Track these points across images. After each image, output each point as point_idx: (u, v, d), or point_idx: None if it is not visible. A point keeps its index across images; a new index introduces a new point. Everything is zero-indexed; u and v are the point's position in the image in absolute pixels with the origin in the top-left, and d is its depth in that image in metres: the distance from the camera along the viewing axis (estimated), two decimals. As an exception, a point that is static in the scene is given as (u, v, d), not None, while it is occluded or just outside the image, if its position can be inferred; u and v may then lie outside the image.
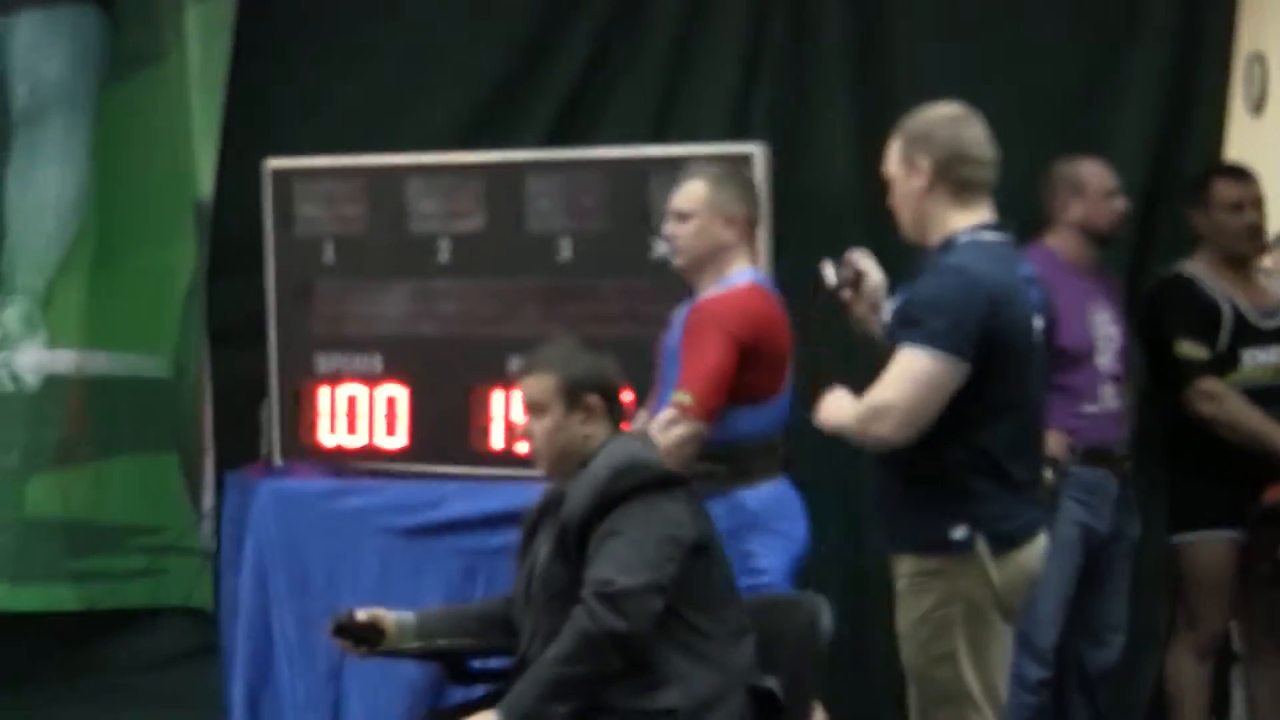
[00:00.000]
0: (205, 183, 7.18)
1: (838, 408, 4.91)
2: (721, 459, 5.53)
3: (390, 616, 5.18)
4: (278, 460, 6.81)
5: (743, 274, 5.65)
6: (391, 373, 6.64)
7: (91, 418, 7.06)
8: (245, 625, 6.57)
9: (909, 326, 4.74)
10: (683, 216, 5.65)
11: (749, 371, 5.50)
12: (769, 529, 5.65)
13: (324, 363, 6.75)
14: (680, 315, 5.68)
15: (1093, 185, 6.29)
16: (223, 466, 7.12)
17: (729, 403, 5.50)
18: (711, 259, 5.64)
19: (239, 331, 7.05)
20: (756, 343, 5.52)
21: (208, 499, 7.22)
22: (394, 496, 6.50)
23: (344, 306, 6.75)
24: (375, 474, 6.61)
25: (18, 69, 7.26)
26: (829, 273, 5.16)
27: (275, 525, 6.54)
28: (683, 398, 5.42)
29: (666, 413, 5.44)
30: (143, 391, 7.22)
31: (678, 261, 5.71)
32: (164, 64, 7.26)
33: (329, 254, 6.73)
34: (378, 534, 6.44)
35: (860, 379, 4.85)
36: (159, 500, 7.25)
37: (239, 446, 7.04)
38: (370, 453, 6.67)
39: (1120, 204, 6.31)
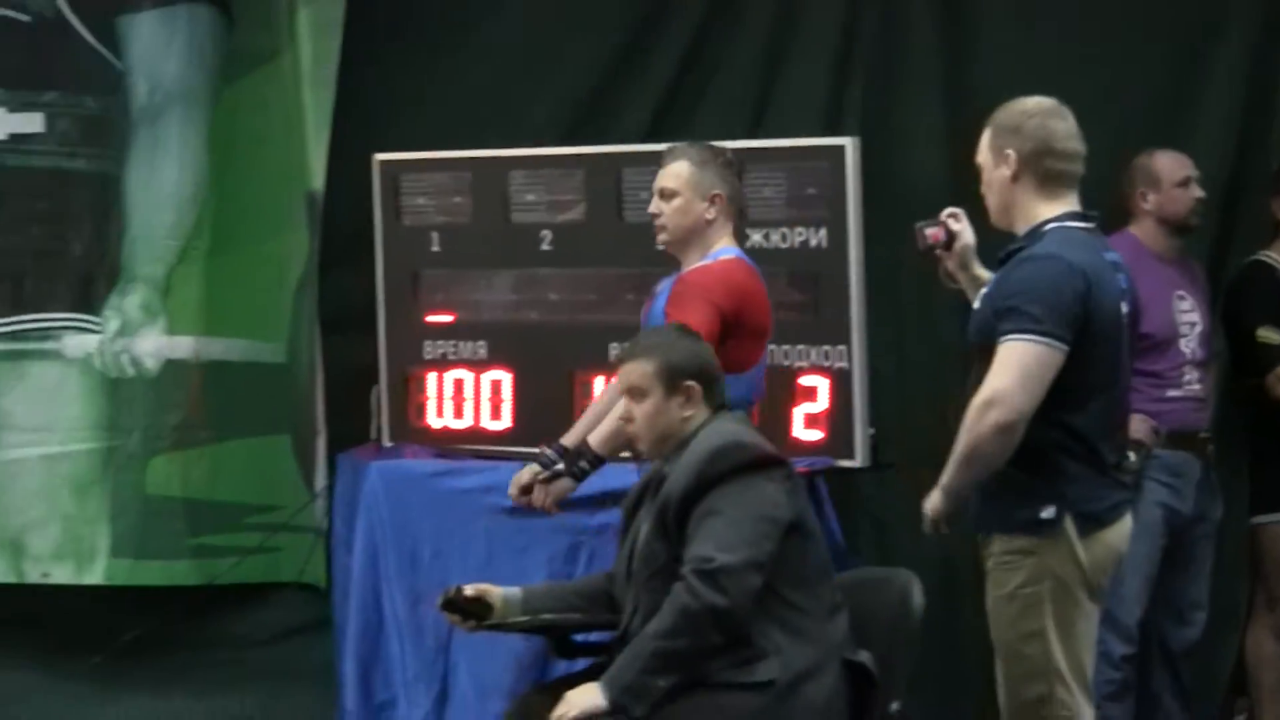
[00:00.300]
0: (317, 176, 7.22)
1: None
2: None
3: (497, 592, 5.20)
4: (387, 442, 6.84)
5: (726, 250, 5.67)
6: (496, 358, 6.66)
7: (209, 401, 7.08)
8: (356, 600, 6.59)
9: (1008, 318, 4.71)
10: (666, 194, 5.67)
11: (730, 340, 5.50)
12: None
13: (431, 349, 6.77)
14: (664, 286, 5.70)
15: (1166, 176, 6.26)
16: (335, 448, 7.17)
17: None
18: (696, 235, 5.65)
19: (350, 318, 7.09)
20: (739, 314, 5.54)
21: (320, 479, 7.25)
22: (499, 477, 6.48)
23: (450, 294, 6.78)
24: (481, 455, 6.62)
25: (138, 67, 7.28)
26: (923, 233, 5.20)
27: (385, 504, 6.55)
28: None
29: None
30: (258, 376, 7.24)
31: (662, 238, 5.71)
32: (277, 63, 7.29)
33: (436, 244, 6.75)
34: (484, 513, 6.44)
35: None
36: (273, 480, 7.28)
37: (350, 429, 7.08)
38: (476, 435, 6.69)
39: (1195, 193, 6.28)
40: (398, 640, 6.54)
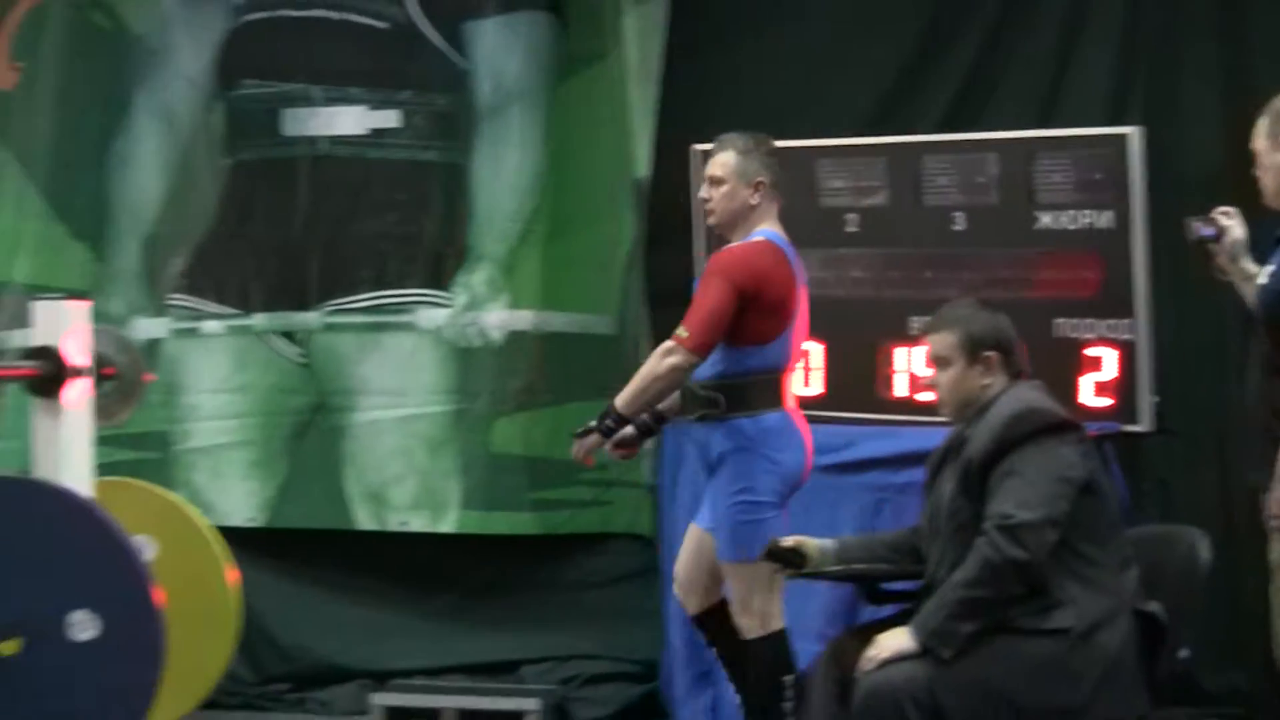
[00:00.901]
0: (642, 164, 7.27)
1: None
2: (724, 390, 5.69)
3: (813, 543, 5.28)
4: (708, 406, 6.91)
5: (764, 232, 5.79)
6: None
7: (548, 368, 7.18)
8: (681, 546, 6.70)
9: None
10: (715, 181, 5.81)
11: (749, 316, 5.65)
12: (761, 454, 5.71)
13: (748, 322, 6.83)
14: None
15: None
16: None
17: (735, 343, 5.67)
18: (741, 218, 5.80)
19: (672, 293, 7.15)
20: (758, 291, 5.65)
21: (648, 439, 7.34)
22: (812, 439, 6.56)
23: (763, 272, 6.82)
24: (793, 419, 6.68)
25: (483, 68, 7.41)
26: (1194, 228, 5.18)
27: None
28: (680, 331, 5.64)
29: (666, 343, 5.67)
30: (591, 346, 7.32)
31: (711, 220, 5.87)
32: (606, 62, 7.35)
33: (750, 226, 6.80)
34: (798, 471, 6.51)
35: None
36: (606, 440, 7.37)
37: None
38: (788, 400, 6.75)
39: None
40: (718, 586, 6.62)
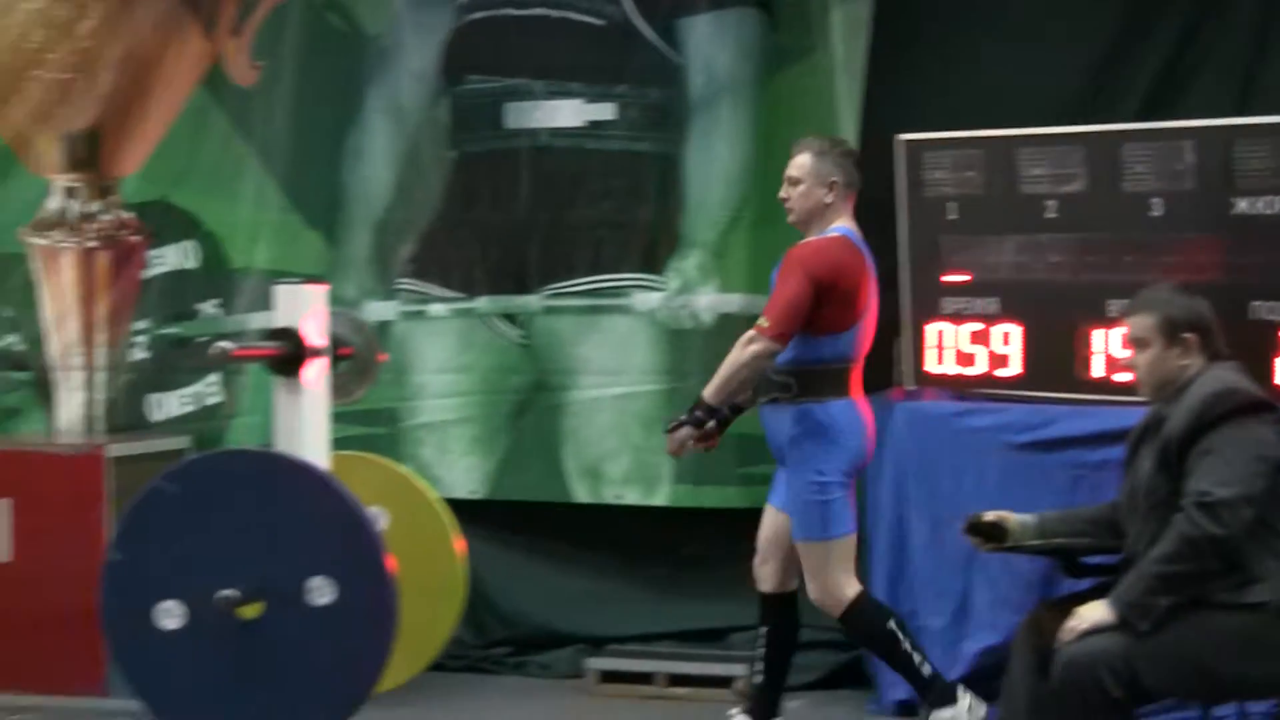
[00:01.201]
0: (848, 154, 7.27)
1: None
2: (797, 376, 5.89)
3: (1013, 518, 5.27)
4: (910, 385, 6.91)
5: (839, 228, 6.00)
6: (1007, 313, 6.68)
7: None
8: (885, 523, 6.70)
9: None
10: (793, 182, 6.02)
11: (824, 307, 5.86)
12: (829, 439, 5.92)
13: (949, 304, 6.82)
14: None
15: None
16: (866, 391, 7.24)
17: (809, 332, 5.84)
18: (817, 216, 6.00)
19: (879, 277, 7.15)
20: (834, 283, 5.84)
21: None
22: (1011, 417, 6.54)
23: (965, 257, 6.80)
24: (995, 398, 6.66)
25: (695, 63, 7.44)
26: None
27: (910, 440, 6.64)
28: (762, 321, 5.82)
29: (748, 332, 5.85)
30: (797, 329, 7.34)
31: (791, 218, 6.06)
32: (813, 58, 7.34)
33: (952, 213, 6.79)
34: (997, 449, 6.49)
35: None
36: (810, 418, 7.37)
37: (878, 374, 7.13)
38: (988, 380, 6.72)
39: None
40: (920, 558, 6.62)
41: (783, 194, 6.06)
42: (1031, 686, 4.99)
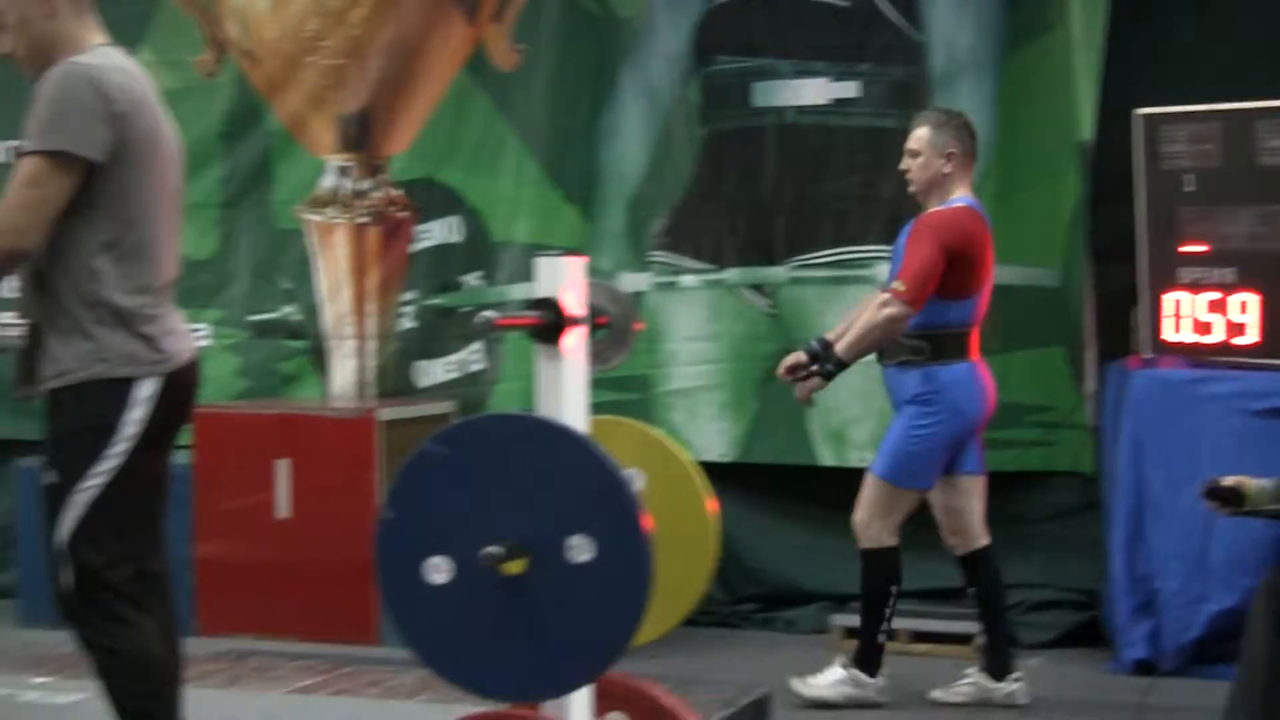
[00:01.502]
0: (1086, 127, 7.21)
1: None
2: (926, 339, 6.04)
3: (1253, 482, 5.19)
4: (1147, 354, 6.86)
5: (960, 198, 6.12)
6: (1244, 282, 6.61)
7: (997, 318, 7.16)
8: (1123, 486, 6.66)
9: None
10: (912, 154, 6.16)
11: (952, 273, 5.94)
12: (946, 401, 6.07)
13: (1185, 274, 6.76)
14: (907, 228, 6.16)
15: None
16: (1104, 358, 7.22)
17: (935, 297, 5.91)
18: (936, 186, 6.14)
19: (1115, 249, 7.12)
20: (963, 251, 5.95)
21: (1090, 384, 7.28)
22: (1247, 384, 6.47)
23: (1202, 228, 6.74)
24: (1233, 366, 6.58)
25: (937, 41, 7.46)
26: None
27: (1148, 406, 6.60)
28: (898, 285, 5.91)
29: (882, 295, 5.99)
30: (1037, 297, 7.29)
31: (911, 189, 6.21)
32: (1052, 33, 7.30)
33: (1190, 184, 6.74)
34: (1233, 414, 6.43)
35: None
36: (1050, 384, 7.31)
37: (1116, 342, 7.13)
38: (1224, 348, 6.66)
39: None
40: (1158, 521, 6.58)
41: (903, 165, 6.21)
42: (1270, 649, 4.94)
